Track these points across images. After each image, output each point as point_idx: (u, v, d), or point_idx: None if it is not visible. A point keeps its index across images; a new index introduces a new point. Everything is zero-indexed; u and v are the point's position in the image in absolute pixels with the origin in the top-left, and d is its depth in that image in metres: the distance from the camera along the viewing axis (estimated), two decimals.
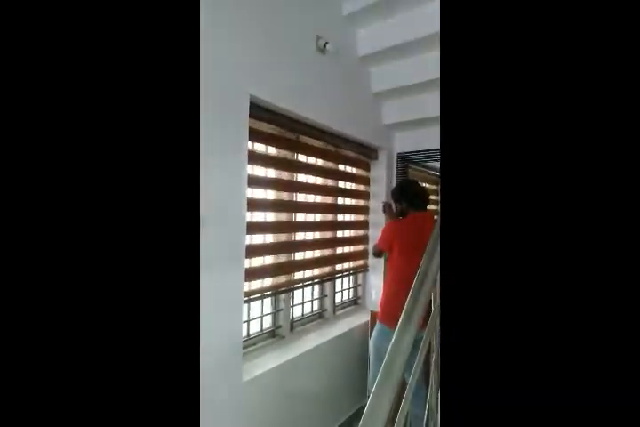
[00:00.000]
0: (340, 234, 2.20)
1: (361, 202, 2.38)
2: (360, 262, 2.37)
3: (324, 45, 1.73)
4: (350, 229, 2.29)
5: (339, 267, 2.18)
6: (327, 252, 2.06)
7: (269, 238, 1.67)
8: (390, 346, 0.60)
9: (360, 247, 2.36)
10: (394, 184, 2.46)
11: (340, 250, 2.16)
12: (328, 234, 2.08)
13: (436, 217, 2.12)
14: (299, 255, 1.83)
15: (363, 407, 1.96)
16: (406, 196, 1.90)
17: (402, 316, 0.65)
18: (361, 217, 2.39)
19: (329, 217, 2.11)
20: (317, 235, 1.99)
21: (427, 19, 1.73)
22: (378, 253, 1.98)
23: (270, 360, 1.56)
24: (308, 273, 1.91)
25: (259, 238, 1.60)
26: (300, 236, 1.85)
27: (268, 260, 1.64)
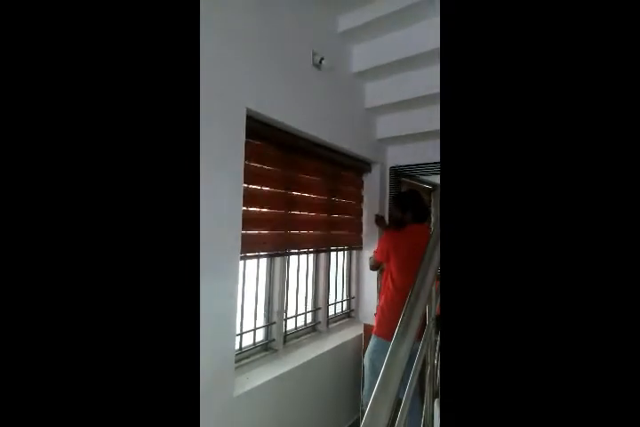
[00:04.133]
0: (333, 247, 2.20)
1: (353, 214, 2.39)
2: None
3: (320, 61, 1.77)
4: (342, 244, 2.30)
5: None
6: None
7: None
8: (387, 358, 0.60)
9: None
10: (387, 197, 2.49)
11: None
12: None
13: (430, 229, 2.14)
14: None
15: (356, 422, 1.93)
16: (414, 207, 1.90)
17: (398, 328, 0.65)
18: (353, 229, 2.40)
19: (321, 228, 2.12)
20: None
21: (419, 36, 1.80)
22: (376, 267, 2.01)
23: (263, 374, 1.53)
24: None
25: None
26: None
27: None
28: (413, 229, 1.83)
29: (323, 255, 2.16)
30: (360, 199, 2.45)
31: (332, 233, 2.13)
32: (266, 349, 1.73)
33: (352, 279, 2.45)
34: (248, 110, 1.39)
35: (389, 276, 1.77)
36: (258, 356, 1.66)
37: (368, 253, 2.39)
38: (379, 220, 2.27)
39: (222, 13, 1.27)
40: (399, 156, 2.48)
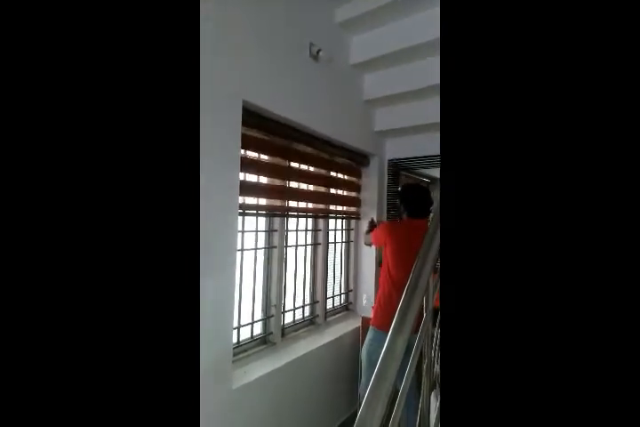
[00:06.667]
0: (331, 239, 2.20)
1: (352, 208, 2.38)
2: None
3: (317, 52, 1.75)
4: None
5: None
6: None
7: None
8: (383, 351, 0.60)
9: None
10: (385, 191, 2.48)
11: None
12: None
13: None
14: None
15: (354, 414, 1.96)
16: (403, 201, 1.91)
17: (394, 320, 0.65)
18: (352, 223, 2.39)
19: (320, 224, 2.12)
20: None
21: (418, 27, 1.77)
22: (369, 244, 2.09)
23: (261, 367, 1.54)
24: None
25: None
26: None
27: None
28: (411, 223, 1.83)
29: (320, 249, 2.16)
30: (358, 191, 2.45)
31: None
32: (264, 342, 1.74)
33: (350, 272, 2.46)
34: (244, 102, 1.37)
35: (387, 268, 1.78)
36: (256, 349, 1.66)
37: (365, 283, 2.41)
38: (370, 225, 2.20)
39: (219, 4, 1.25)
40: (398, 149, 2.47)
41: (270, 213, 1.71)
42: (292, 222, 1.91)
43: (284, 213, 1.79)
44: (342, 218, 2.34)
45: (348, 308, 2.43)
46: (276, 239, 1.79)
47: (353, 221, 2.47)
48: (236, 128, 1.34)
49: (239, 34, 1.35)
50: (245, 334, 1.65)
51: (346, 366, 2.05)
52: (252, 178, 1.56)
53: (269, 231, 1.78)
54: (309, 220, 2.08)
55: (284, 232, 1.83)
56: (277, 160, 1.72)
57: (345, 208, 2.29)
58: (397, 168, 2.48)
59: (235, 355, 1.45)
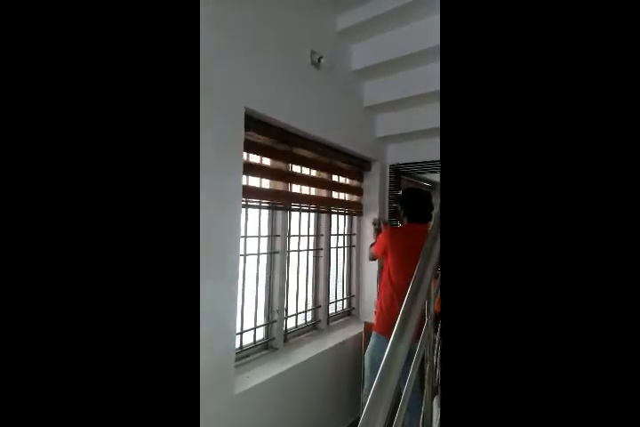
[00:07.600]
0: (333, 244, 2.21)
1: (353, 212, 2.39)
2: None
3: (319, 60, 1.77)
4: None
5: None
6: None
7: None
8: (385, 356, 0.60)
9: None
10: (387, 195, 2.49)
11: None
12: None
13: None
14: None
15: (357, 420, 1.94)
16: (404, 206, 1.91)
17: (396, 326, 0.65)
18: (354, 228, 2.40)
19: (322, 228, 2.13)
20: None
21: (418, 34, 1.79)
22: (373, 258, 2.07)
23: (263, 373, 1.54)
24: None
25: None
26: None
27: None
28: (412, 229, 1.84)
29: (323, 253, 2.16)
30: (360, 200, 2.45)
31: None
32: (266, 347, 1.74)
33: (352, 277, 2.46)
34: (246, 109, 1.39)
35: (387, 273, 1.78)
36: (258, 354, 1.66)
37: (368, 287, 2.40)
38: (376, 222, 2.28)
39: (220, 13, 1.27)
40: (399, 154, 2.48)
41: (273, 203, 1.70)
42: (294, 225, 1.92)
43: (287, 206, 1.80)
44: (345, 214, 2.34)
45: (350, 313, 2.43)
46: (278, 244, 1.80)
47: (355, 226, 2.47)
48: (238, 134, 1.35)
49: (240, 41, 1.37)
50: (248, 339, 1.66)
51: (349, 372, 2.04)
52: (254, 180, 1.58)
53: (272, 236, 1.79)
54: (311, 221, 2.10)
55: (287, 237, 1.84)
56: (279, 164, 1.73)
57: (347, 196, 2.29)
58: (399, 173, 2.49)
59: (237, 360, 1.45)
